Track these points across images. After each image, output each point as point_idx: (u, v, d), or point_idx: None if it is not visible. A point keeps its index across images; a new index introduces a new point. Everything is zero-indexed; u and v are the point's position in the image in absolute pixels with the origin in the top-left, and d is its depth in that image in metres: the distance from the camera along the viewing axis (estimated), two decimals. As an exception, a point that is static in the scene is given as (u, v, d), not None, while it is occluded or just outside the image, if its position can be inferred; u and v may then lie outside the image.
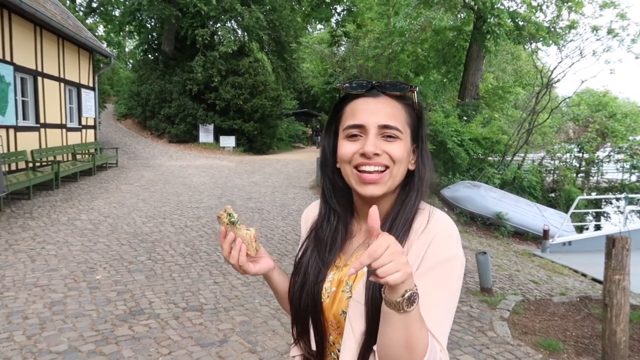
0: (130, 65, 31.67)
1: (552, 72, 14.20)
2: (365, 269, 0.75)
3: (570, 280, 6.56)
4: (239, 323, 3.77)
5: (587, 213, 14.40)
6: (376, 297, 0.84)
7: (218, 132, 20.57)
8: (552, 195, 14.34)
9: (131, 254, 5.48)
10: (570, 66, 14.52)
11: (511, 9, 13.40)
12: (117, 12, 24.04)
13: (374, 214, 0.74)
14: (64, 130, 12.13)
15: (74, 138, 12.79)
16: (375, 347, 0.83)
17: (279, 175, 14.15)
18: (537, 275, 6.55)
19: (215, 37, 20.28)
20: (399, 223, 0.92)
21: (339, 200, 1.01)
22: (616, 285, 3.23)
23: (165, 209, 8.16)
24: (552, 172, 15.61)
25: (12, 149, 9.26)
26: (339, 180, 0.99)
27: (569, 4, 13.25)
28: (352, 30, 20.48)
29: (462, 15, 15.21)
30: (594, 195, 14.71)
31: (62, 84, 11.81)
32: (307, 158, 19.08)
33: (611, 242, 3.25)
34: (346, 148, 0.93)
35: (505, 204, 10.49)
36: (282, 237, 6.77)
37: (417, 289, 0.75)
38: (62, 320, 3.62)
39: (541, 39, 13.32)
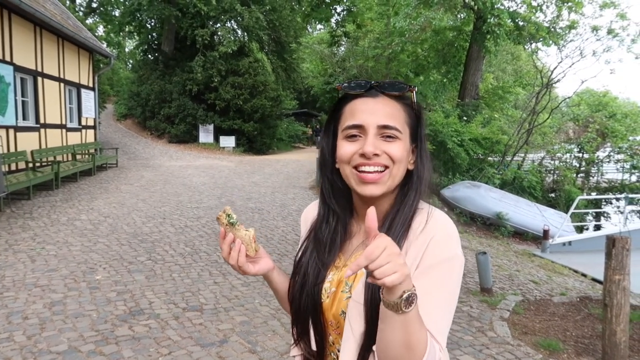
0: (130, 65, 31.68)
1: (552, 72, 14.21)
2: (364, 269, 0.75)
3: (570, 281, 6.56)
4: (239, 323, 3.77)
5: (587, 213, 14.39)
6: (375, 297, 0.84)
7: (218, 132, 20.58)
8: (552, 195, 14.34)
9: (131, 254, 5.48)
10: (570, 66, 14.60)
11: (511, 9, 13.40)
12: (117, 12, 24.04)
13: (372, 215, 0.74)
14: (64, 130, 12.13)
15: (73, 138, 12.80)
16: (374, 347, 0.83)
17: (279, 175, 14.15)
18: (537, 275, 6.54)
19: (215, 37, 20.29)
20: (397, 223, 0.92)
21: (338, 201, 1.01)
22: (616, 285, 3.23)
23: (165, 209, 8.17)
24: (552, 172, 15.60)
25: (12, 149, 9.26)
26: (338, 181, 0.99)
27: (569, 4, 13.25)
28: (352, 31, 20.45)
29: (462, 15, 15.21)
30: (594, 196, 14.69)
31: (62, 84, 11.82)
32: (306, 158, 19.07)
33: (611, 242, 3.25)
34: (345, 148, 0.92)
35: (505, 204, 10.48)
36: (282, 238, 6.77)
37: (415, 290, 0.74)
38: (62, 321, 3.62)
39: (541, 39, 13.32)
